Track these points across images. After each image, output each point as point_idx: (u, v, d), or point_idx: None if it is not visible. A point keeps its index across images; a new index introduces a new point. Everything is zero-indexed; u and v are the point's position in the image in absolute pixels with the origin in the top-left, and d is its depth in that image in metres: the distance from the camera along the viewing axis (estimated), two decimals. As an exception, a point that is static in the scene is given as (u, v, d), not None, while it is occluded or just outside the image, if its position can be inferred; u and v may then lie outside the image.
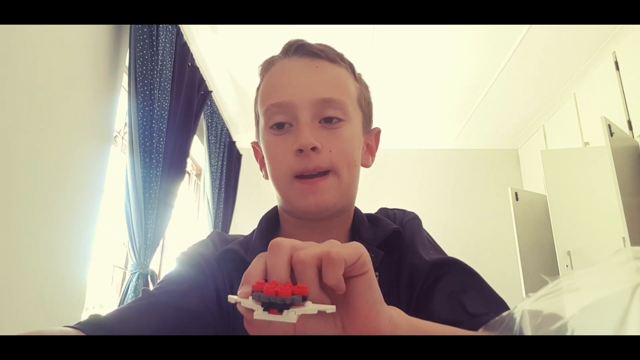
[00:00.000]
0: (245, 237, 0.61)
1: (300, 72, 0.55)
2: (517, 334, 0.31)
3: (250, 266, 0.31)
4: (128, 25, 1.84)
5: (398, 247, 0.57)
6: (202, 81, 2.62)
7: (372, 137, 0.63)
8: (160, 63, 1.95)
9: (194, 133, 2.38)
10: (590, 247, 2.37)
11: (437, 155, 4.17)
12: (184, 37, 2.31)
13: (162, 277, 0.55)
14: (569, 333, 0.28)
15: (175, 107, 2.10)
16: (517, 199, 2.96)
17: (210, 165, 2.98)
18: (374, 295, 0.32)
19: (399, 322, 0.35)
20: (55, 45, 1.43)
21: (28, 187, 1.30)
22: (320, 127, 0.53)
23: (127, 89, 1.87)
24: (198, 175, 3.45)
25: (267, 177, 0.59)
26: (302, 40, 0.57)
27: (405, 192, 4.03)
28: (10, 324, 1.21)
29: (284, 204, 0.57)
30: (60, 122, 1.45)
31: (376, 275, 0.55)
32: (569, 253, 2.41)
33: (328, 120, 0.53)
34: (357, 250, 0.31)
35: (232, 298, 0.29)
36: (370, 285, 0.32)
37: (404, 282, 0.54)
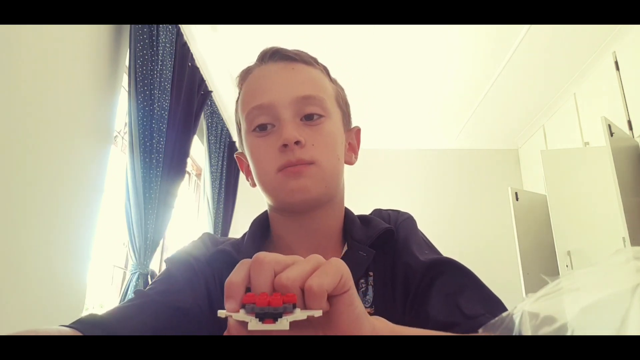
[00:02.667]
0: (237, 239, 0.61)
1: (278, 75, 0.56)
2: (517, 334, 0.31)
3: (231, 276, 0.31)
4: (128, 25, 1.84)
5: (392, 247, 0.58)
6: (202, 81, 2.62)
7: (352, 136, 0.64)
8: (160, 63, 1.95)
9: (194, 133, 2.38)
10: (591, 247, 2.37)
11: (437, 155, 4.17)
12: (184, 37, 2.31)
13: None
14: (569, 333, 0.28)
15: (175, 107, 2.10)
16: (517, 199, 2.96)
17: (210, 165, 2.98)
18: (355, 312, 0.33)
19: (381, 332, 0.35)
20: (55, 45, 1.43)
21: (28, 187, 1.30)
22: (302, 124, 0.54)
23: (127, 89, 1.87)
24: (198, 175, 3.45)
25: (254, 185, 0.59)
26: (276, 47, 0.59)
27: (406, 192, 4.03)
28: (9, 324, 1.21)
29: (271, 201, 0.57)
30: (60, 122, 1.45)
31: (370, 276, 0.55)
32: (569, 253, 2.41)
33: (309, 117, 0.55)
34: (337, 272, 0.31)
35: (221, 313, 0.30)
36: (351, 302, 0.32)
37: (399, 282, 0.55)
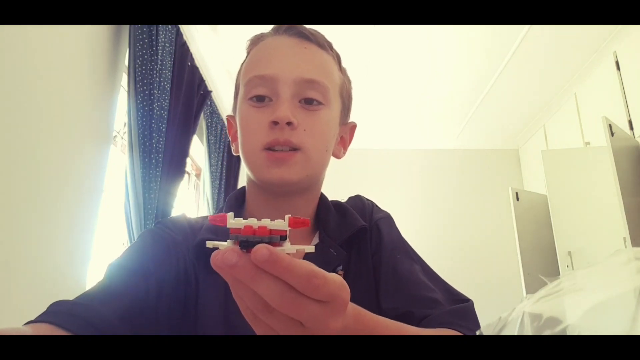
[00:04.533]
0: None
1: (288, 50, 0.55)
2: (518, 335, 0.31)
3: None
4: (127, 25, 1.84)
5: (364, 245, 0.58)
6: (201, 81, 2.62)
7: (347, 130, 0.63)
8: (159, 63, 1.94)
9: (193, 133, 2.38)
10: (591, 247, 2.36)
11: (438, 155, 4.17)
12: (184, 36, 2.31)
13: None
14: (576, 334, 0.28)
15: (174, 107, 2.10)
16: (517, 199, 2.95)
17: (210, 165, 2.98)
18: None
19: (348, 324, 0.34)
20: (55, 45, 1.42)
21: (28, 188, 1.29)
22: (299, 106, 0.53)
23: (126, 88, 1.87)
24: (198, 175, 3.44)
25: (237, 151, 0.58)
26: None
27: (406, 192, 4.02)
28: (9, 324, 1.20)
29: (251, 176, 0.57)
30: (59, 122, 1.45)
31: (341, 273, 0.56)
32: (569, 253, 2.41)
33: (308, 101, 0.54)
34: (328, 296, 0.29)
35: (210, 243, 0.29)
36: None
37: (370, 278, 0.56)
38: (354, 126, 0.64)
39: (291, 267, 0.26)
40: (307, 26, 0.58)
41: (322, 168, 0.57)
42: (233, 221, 0.28)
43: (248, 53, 0.59)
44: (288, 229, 0.29)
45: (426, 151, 4.17)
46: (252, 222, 0.28)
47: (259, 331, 0.30)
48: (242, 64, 0.59)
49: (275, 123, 0.51)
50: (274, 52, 0.55)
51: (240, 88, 0.57)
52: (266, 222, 0.28)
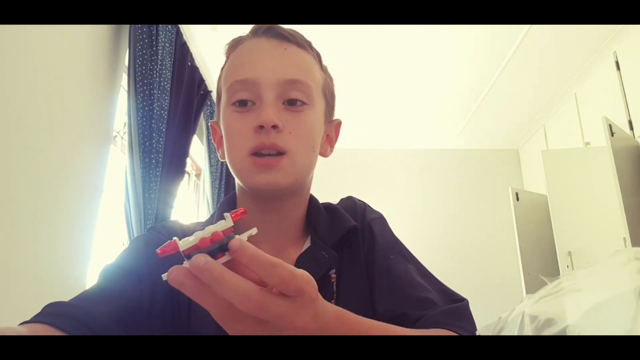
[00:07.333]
0: (205, 222, 0.61)
1: (268, 52, 0.55)
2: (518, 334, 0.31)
3: None
4: (127, 25, 1.84)
5: (357, 246, 0.58)
6: (201, 81, 2.62)
7: (332, 128, 0.63)
8: (159, 63, 1.94)
9: (193, 133, 2.38)
10: (591, 247, 2.36)
11: (438, 156, 4.17)
12: (184, 36, 2.31)
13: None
14: (576, 334, 0.28)
15: (174, 107, 2.10)
16: (517, 199, 2.95)
17: (210, 165, 2.97)
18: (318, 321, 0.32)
19: (328, 323, 0.34)
20: (54, 45, 1.42)
21: (28, 188, 1.29)
22: (283, 108, 0.53)
23: (126, 88, 1.87)
24: (198, 175, 3.44)
25: (223, 157, 0.58)
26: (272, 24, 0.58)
27: (406, 193, 4.02)
28: (9, 324, 1.20)
29: (239, 182, 0.57)
30: (59, 122, 1.45)
31: (333, 277, 0.55)
32: (569, 253, 2.41)
33: (292, 102, 0.53)
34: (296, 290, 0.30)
35: (164, 275, 0.30)
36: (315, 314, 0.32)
37: (363, 280, 0.56)
38: (339, 123, 0.64)
39: (256, 255, 0.28)
40: (285, 26, 0.57)
41: (309, 170, 0.57)
42: (181, 242, 0.30)
43: (227, 57, 0.59)
44: (232, 223, 0.31)
45: (426, 151, 4.17)
46: (198, 235, 0.30)
47: (231, 333, 0.31)
48: (222, 69, 0.59)
49: (261, 127, 0.50)
50: (254, 55, 0.54)
51: (222, 94, 0.56)
52: (210, 229, 0.30)
